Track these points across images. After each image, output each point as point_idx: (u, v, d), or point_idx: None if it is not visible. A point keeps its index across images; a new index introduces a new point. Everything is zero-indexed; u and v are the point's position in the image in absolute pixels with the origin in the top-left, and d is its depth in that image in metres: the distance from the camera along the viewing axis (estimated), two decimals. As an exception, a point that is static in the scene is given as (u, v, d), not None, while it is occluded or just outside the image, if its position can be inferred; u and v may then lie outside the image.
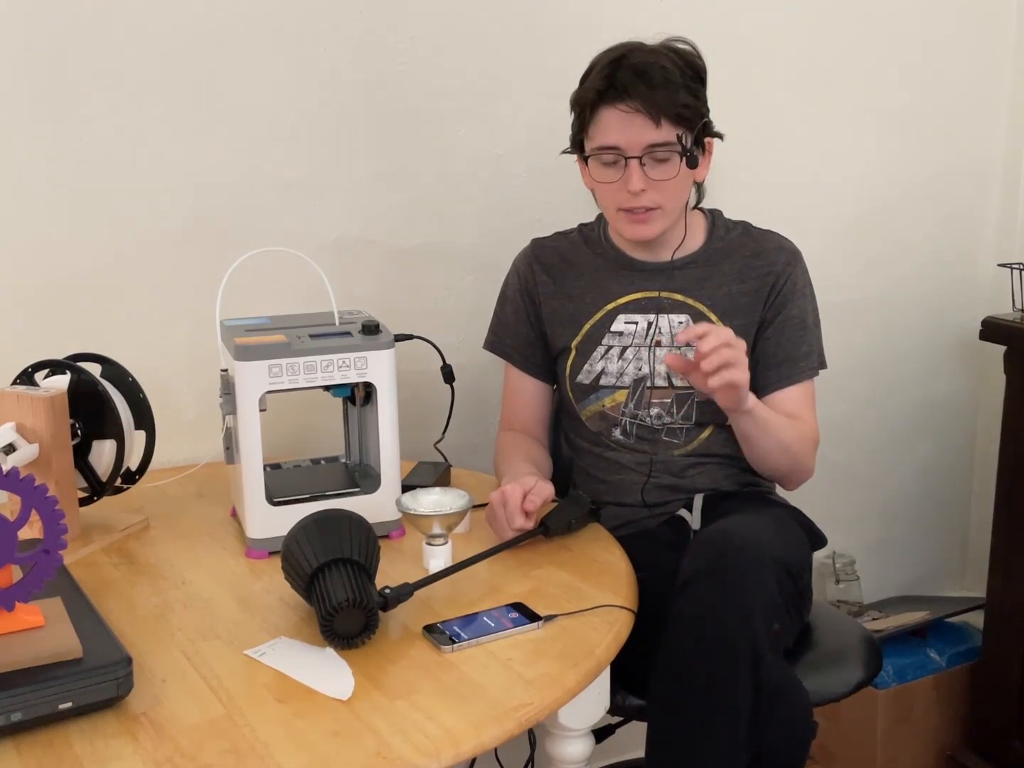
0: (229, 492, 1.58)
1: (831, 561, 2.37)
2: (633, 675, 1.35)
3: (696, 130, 1.53)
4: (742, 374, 1.42)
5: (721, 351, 1.39)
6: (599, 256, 1.70)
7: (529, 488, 1.43)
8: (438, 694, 1.07)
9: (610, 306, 1.66)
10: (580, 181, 1.64)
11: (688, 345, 1.52)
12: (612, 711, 1.41)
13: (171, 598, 1.29)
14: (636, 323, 1.65)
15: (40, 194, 1.67)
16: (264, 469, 1.41)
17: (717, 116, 1.59)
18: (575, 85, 1.59)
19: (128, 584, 1.34)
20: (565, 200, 1.87)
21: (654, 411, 1.64)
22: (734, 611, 1.28)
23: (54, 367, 1.49)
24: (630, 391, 1.64)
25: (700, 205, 1.71)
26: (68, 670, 1.01)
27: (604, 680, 1.26)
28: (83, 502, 1.50)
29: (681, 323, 1.62)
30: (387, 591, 1.20)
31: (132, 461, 1.52)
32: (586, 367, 1.66)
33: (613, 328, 1.65)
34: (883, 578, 2.48)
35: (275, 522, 1.38)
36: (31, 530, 1.21)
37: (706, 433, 1.65)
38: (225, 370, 1.43)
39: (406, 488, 1.44)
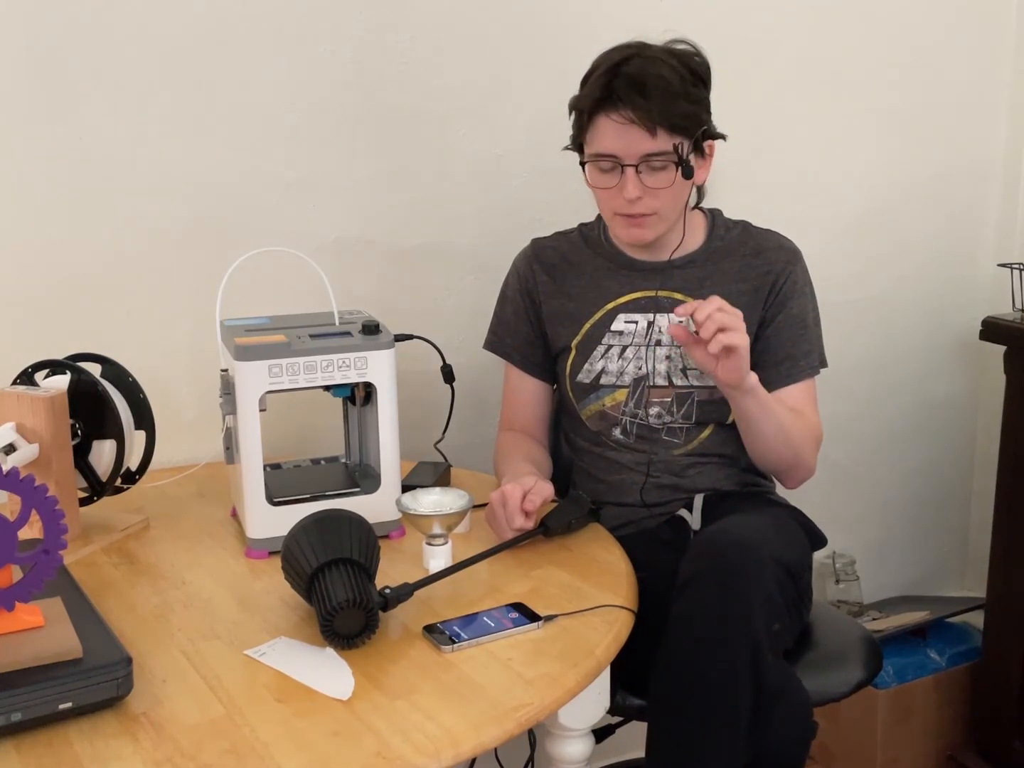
0: (229, 492, 1.58)
1: (831, 561, 2.37)
2: (633, 675, 1.35)
3: (695, 137, 1.53)
4: (741, 338, 1.42)
5: (715, 316, 1.41)
6: (599, 256, 1.70)
7: (529, 488, 1.43)
8: (438, 694, 1.07)
9: (610, 305, 1.66)
10: (580, 181, 1.63)
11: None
12: (612, 711, 1.40)
13: (171, 598, 1.29)
14: (636, 322, 1.65)
15: (40, 194, 1.67)
16: (264, 469, 1.41)
17: (717, 116, 1.59)
18: (575, 85, 1.58)
19: (128, 584, 1.34)
20: (565, 200, 1.87)
21: (654, 410, 1.64)
22: (734, 611, 1.28)
23: (54, 367, 1.49)
24: (630, 390, 1.64)
25: (700, 204, 1.71)
26: (68, 670, 1.01)
27: (604, 680, 1.26)
28: (83, 502, 1.50)
29: (681, 322, 1.62)
30: (387, 591, 1.20)
31: (132, 461, 1.52)
32: (586, 366, 1.66)
33: (613, 327, 1.65)
34: (883, 578, 2.48)
35: (275, 522, 1.38)
36: (31, 530, 1.21)
37: (706, 433, 1.65)
38: (225, 370, 1.43)
39: (406, 488, 1.44)
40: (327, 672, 1.11)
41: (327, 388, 1.44)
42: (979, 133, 2.37)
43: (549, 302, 1.70)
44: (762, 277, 1.64)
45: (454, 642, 1.16)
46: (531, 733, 1.55)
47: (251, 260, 1.47)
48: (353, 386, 1.47)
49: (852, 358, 2.30)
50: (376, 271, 1.89)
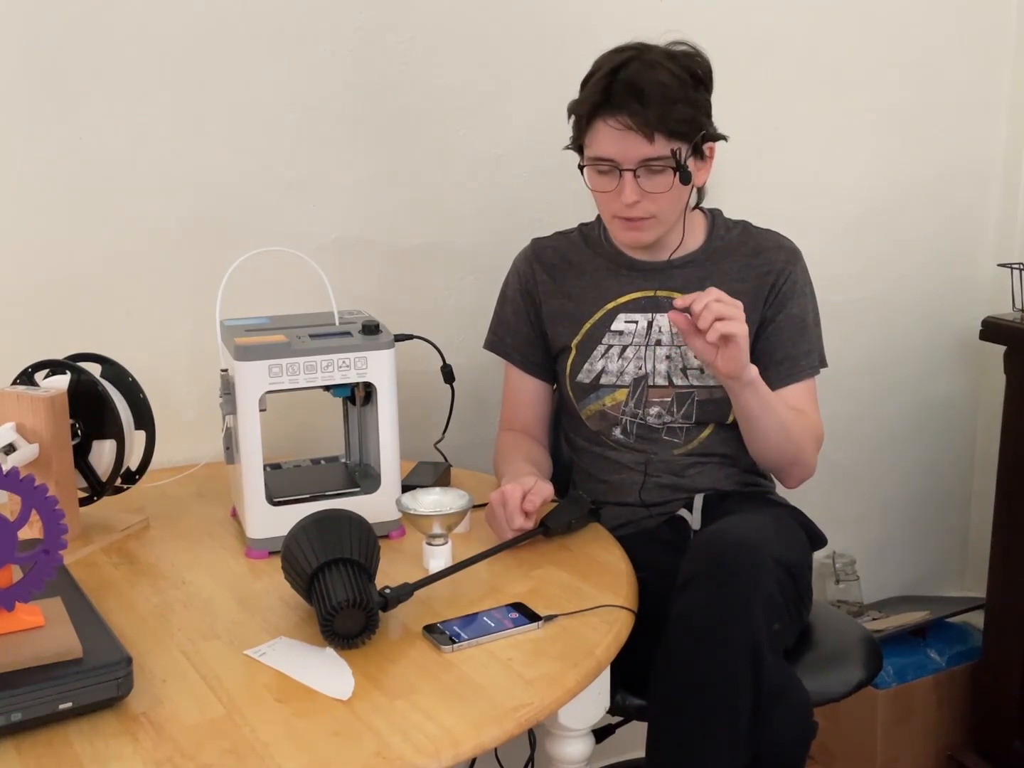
0: (229, 492, 1.58)
1: (831, 561, 2.37)
2: (633, 675, 1.35)
3: (694, 142, 1.53)
4: (739, 327, 1.42)
5: (712, 305, 1.41)
6: (599, 256, 1.70)
7: (529, 488, 1.43)
8: (438, 694, 1.07)
9: (610, 305, 1.66)
10: (580, 181, 1.63)
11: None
12: (612, 711, 1.41)
13: (171, 598, 1.29)
14: (636, 322, 1.65)
15: (40, 194, 1.66)
16: (264, 469, 1.41)
17: (717, 115, 1.59)
18: (575, 85, 1.58)
19: (128, 584, 1.34)
20: (565, 200, 1.87)
21: (654, 410, 1.64)
22: (734, 611, 1.28)
23: (54, 367, 1.49)
24: (630, 390, 1.64)
25: (700, 204, 1.71)
26: (68, 670, 1.01)
27: (604, 680, 1.26)
28: (83, 502, 1.50)
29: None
30: (387, 591, 1.20)
31: (132, 461, 1.52)
32: (586, 366, 1.66)
33: (613, 327, 1.65)
34: (883, 578, 2.48)
35: (275, 522, 1.38)
36: (31, 530, 1.21)
37: (706, 432, 1.65)
38: (225, 370, 1.43)
39: (406, 488, 1.44)
40: (327, 672, 1.11)
41: (327, 388, 1.44)
42: (979, 133, 2.37)
43: (549, 302, 1.70)
44: (762, 277, 1.64)
45: (454, 642, 1.16)
46: (531, 733, 1.55)
47: (251, 260, 1.47)
48: (353, 386, 1.47)
49: (852, 358, 2.30)
50: (376, 271, 1.89)
